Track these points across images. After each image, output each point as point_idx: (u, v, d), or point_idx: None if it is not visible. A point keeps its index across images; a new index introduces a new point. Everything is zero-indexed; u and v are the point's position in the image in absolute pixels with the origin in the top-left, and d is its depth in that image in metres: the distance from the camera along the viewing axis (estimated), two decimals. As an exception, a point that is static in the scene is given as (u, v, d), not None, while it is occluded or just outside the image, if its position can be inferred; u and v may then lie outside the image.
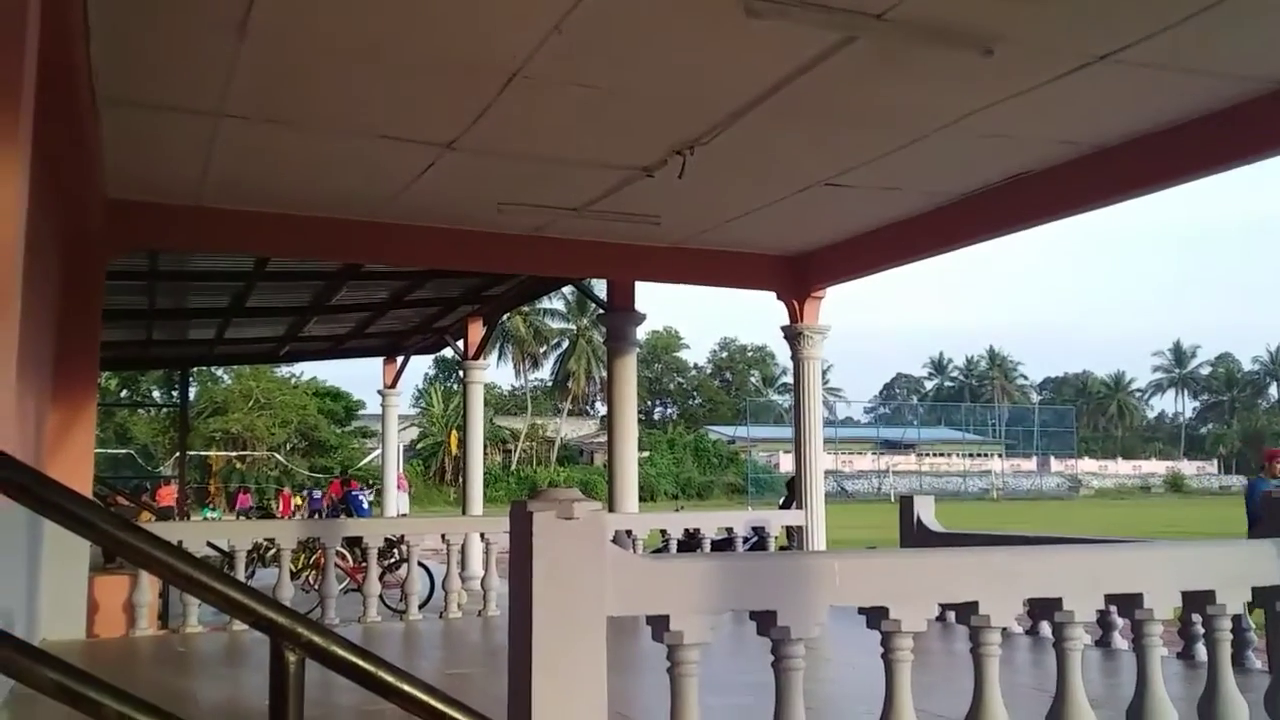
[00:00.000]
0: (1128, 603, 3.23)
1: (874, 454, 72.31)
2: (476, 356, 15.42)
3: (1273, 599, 3.44)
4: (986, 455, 75.46)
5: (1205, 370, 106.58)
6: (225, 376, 55.46)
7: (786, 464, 52.65)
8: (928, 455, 74.33)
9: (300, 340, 16.70)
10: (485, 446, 23.66)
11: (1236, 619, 5.61)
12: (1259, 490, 8.69)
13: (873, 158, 7.57)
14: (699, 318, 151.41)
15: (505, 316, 21.40)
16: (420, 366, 72.52)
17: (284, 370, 55.54)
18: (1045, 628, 7.20)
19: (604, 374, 17.10)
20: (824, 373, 16.19)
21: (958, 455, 74.73)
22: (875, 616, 2.87)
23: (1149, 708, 3.15)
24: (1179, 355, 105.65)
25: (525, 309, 58.70)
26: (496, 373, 72.52)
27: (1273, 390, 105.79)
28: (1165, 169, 7.12)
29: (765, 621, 2.75)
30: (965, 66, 5.77)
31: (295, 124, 6.90)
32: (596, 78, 6.12)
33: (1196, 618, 5.52)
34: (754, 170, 7.97)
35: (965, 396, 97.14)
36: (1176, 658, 6.75)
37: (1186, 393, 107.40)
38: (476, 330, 15.34)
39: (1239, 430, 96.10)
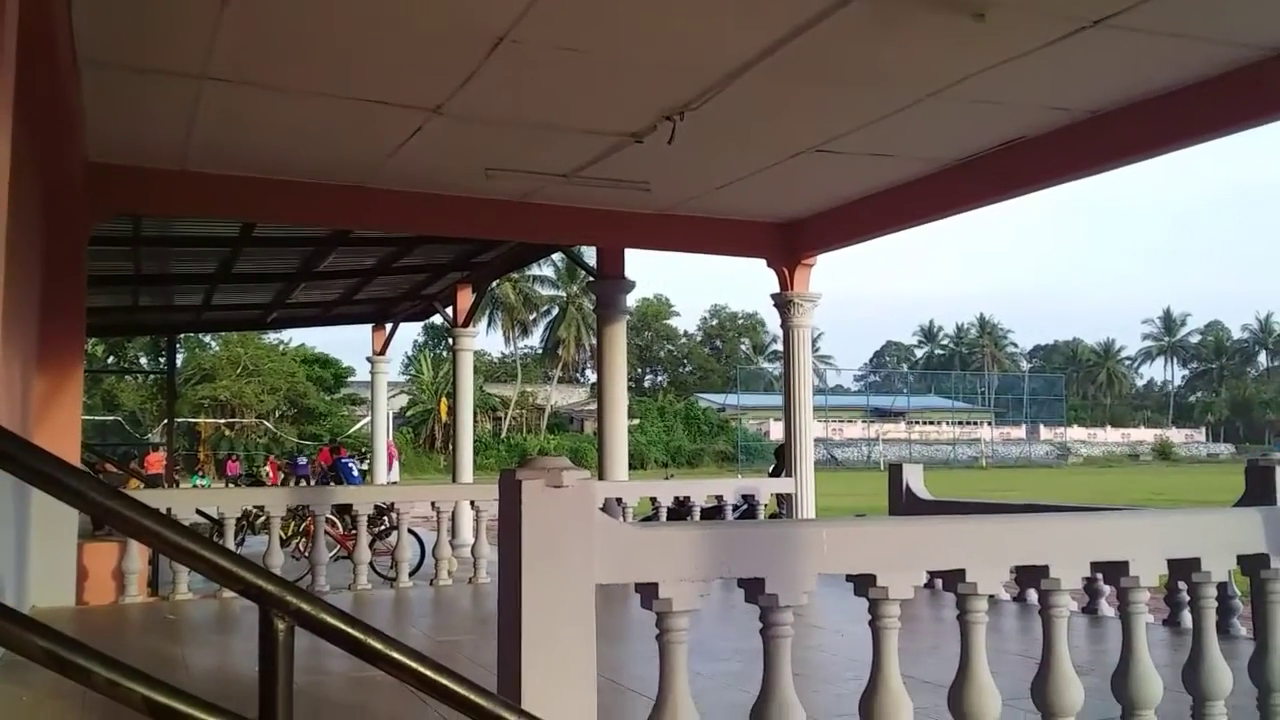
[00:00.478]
0: (1114, 570, 3.24)
1: (864, 422, 72.58)
2: (466, 323, 15.38)
3: (1258, 566, 3.46)
4: (976, 423, 75.74)
5: (1195, 338, 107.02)
6: (213, 343, 55.26)
7: (776, 432, 52.75)
8: (917, 423, 74.60)
9: (288, 307, 16.63)
10: (475, 414, 23.64)
11: (1222, 586, 5.66)
12: None
13: (865, 123, 7.53)
14: (689, 285, 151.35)
15: (494, 283, 21.32)
16: (409, 333, 72.25)
17: (272, 337, 55.44)
18: (1032, 595, 7.25)
19: (594, 341, 17.07)
20: (814, 340, 16.18)
21: (947, 423, 75.02)
22: (863, 584, 2.87)
23: (1134, 674, 3.17)
24: (1169, 323, 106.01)
25: (515, 276, 58.51)
26: (486, 340, 72.62)
27: (1261, 358, 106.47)
28: (1159, 135, 7.10)
29: (754, 589, 2.75)
30: (959, 30, 5.72)
31: (280, 88, 6.82)
32: (585, 42, 6.05)
33: (1182, 585, 5.56)
34: (745, 136, 7.92)
35: (955, 364, 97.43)
36: (1162, 625, 6.81)
37: (1176, 361, 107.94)
38: (465, 297, 15.29)
39: (1227, 398, 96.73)
